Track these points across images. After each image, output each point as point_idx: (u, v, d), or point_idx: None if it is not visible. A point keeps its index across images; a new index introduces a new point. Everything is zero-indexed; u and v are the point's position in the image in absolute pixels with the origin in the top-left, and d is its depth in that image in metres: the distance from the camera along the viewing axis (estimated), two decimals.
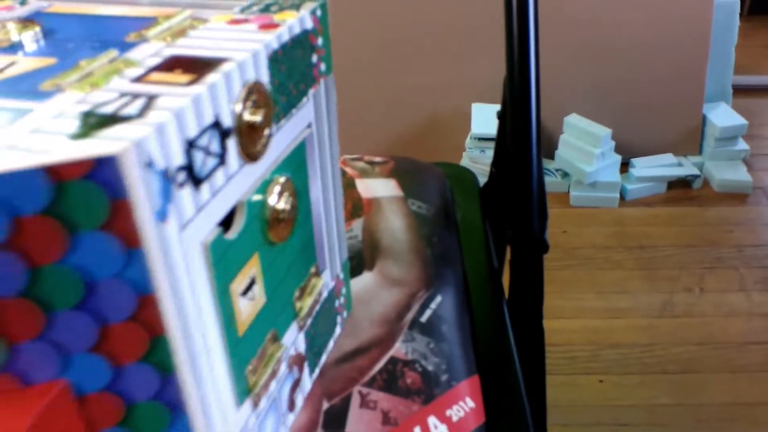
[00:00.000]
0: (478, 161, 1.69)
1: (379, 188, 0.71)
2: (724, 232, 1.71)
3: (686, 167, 1.84)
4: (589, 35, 1.80)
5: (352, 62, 1.80)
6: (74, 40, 0.37)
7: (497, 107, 1.78)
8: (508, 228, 0.68)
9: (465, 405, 0.50)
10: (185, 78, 0.32)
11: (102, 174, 0.26)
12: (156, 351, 0.32)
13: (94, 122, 0.28)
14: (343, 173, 0.73)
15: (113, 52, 0.35)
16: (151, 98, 0.30)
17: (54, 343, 0.31)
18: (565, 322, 1.46)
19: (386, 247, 0.63)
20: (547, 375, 0.66)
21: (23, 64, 0.34)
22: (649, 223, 1.74)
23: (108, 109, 0.29)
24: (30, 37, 0.37)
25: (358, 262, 0.60)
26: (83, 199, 0.27)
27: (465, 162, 1.77)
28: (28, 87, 0.32)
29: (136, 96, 0.30)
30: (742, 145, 1.87)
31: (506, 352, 0.59)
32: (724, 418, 1.26)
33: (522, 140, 0.68)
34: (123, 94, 0.30)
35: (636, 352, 1.39)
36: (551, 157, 1.84)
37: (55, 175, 0.26)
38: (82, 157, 0.26)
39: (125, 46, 0.36)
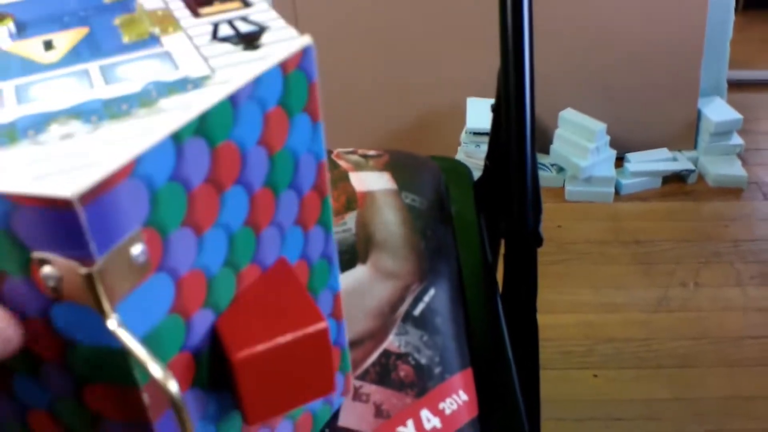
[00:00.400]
0: (473, 156, 1.69)
1: (372, 181, 0.70)
2: (720, 226, 1.71)
3: (681, 162, 1.84)
4: (583, 30, 1.79)
5: (347, 57, 1.79)
6: (73, 11, 0.36)
7: (492, 102, 1.78)
8: (502, 221, 0.68)
9: (458, 398, 0.50)
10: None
11: (304, 62, 0.32)
12: (323, 212, 0.36)
13: (249, 38, 0.32)
14: (337, 166, 0.72)
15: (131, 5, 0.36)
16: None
17: (278, 224, 0.33)
18: (560, 316, 1.46)
19: (380, 240, 0.62)
20: (542, 370, 0.66)
21: (62, 38, 0.34)
22: (645, 218, 1.74)
23: (240, 28, 0.33)
24: (13, 28, 0.36)
25: (351, 255, 0.60)
26: (297, 86, 0.32)
27: (460, 156, 1.77)
28: (116, 44, 0.33)
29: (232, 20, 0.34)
30: (737, 139, 1.87)
31: (500, 345, 0.59)
32: (721, 412, 1.26)
33: (516, 133, 0.68)
34: (218, 23, 0.34)
35: (631, 347, 1.39)
36: (546, 151, 1.84)
37: (284, 68, 0.31)
38: (294, 50, 0.31)
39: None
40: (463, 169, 0.82)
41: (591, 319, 1.45)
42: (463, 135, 1.73)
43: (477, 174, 0.82)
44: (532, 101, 0.69)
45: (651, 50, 1.82)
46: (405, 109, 1.85)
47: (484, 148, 1.72)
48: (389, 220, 0.65)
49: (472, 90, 1.77)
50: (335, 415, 0.47)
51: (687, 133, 1.90)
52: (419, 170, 0.75)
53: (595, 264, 1.59)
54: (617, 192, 1.80)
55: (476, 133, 1.68)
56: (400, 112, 1.85)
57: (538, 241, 0.68)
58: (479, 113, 1.71)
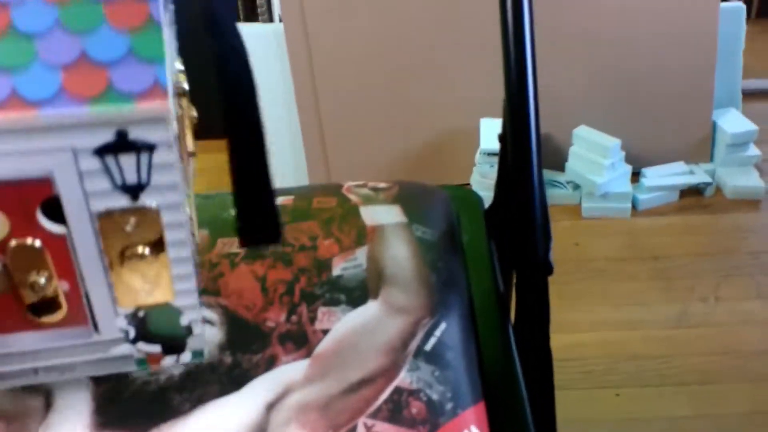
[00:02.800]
0: (488, 176, 1.70)
1: (383, 215, 0.71)
2: (739, 239, 1.70)
3: (698, 175, 1.84)
4: (594, 46, 1.80)
5: (360, 79, 1.81)
6: None
7: None
8: (512, 251, 0.68)
9: None
10: None
11: None
12: None
13: None
14: (347, 200, 0.73)
15: None
16: None
17: None
18: (580, 335, 1.46)
19: (390, 275, 0.63)
20: (563, 390, 0.66)
21: None
22: (662, 233, 1.73)
23: None
24: None
25: (362, 291, 0.61)
26: None
27: (475, 177, 1.77)
28: None
29: None
30: (754, 150, 1.86)
31: (512, 377, 0.60)
32: (745, 428, 1.25)
33: (522, 163, 0.68)
34: None
35: (653, 364, 1.39)
36: (561, 169, 1.84)
37: None
38: None
39: None
40: (473, 198, 0.83)
41: (611, 336, 1.45)
42: (477, 156, 1.73)
43: (492, 194, 0.82)
44: (537, 130, 0.69)
45: (663, 63, 1.82)
46: (419, 130, 1.86)
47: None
48: (400, 255, 0.66)
49: (485, 110, 1.77)
50: None
51: (703, 145, 1.89)
52: (429, 201, 0.76)
53: (613, 281, 1.59)
54: (634, 207, 1.79)
55: (490, 154, 1.68)
56: (415, 132, 1.86)
57: (549, 269, 0.69)
58: (493, 134, 1.71)
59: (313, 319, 0.58)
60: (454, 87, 1.81)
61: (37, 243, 0.42)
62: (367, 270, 0.63)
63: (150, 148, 0.40)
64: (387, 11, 1.75)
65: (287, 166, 1.87)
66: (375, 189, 0.76)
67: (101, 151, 0.39)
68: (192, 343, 0.50)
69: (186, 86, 0.50)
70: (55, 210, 0.42)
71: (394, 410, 0.50)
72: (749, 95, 2.07)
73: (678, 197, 1.83)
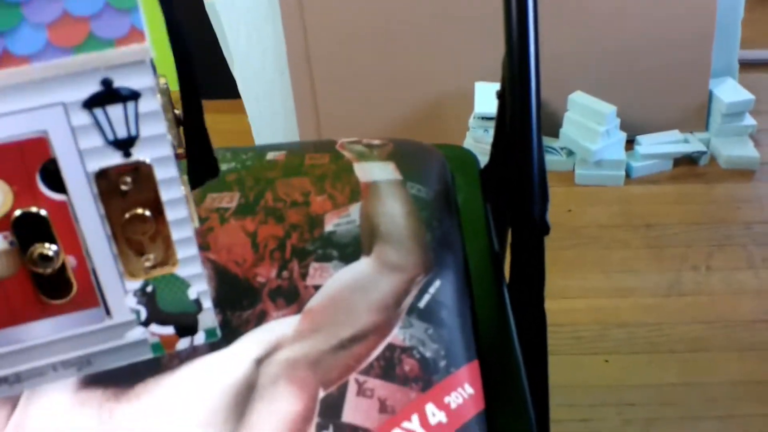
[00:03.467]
0: (482, 141, 1.68)
1: (377, 172, 0.70)
2: (732, 209, 1.69)
3: (692, 144, 1.82)
4: (592, 12, 1.77)
5: (354, 43, 1.78)
6: None
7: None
8: (508, 210, 0.67)
9: (464, 391, 0.49)
10: None
11: None
12: None
13: None
14: (341, 157, 0.72)
15: None
16: None
17: None
18: (571, 301, 1.45)
19: (384, 232, 0.62)
20: (553, 355, 0.66)
21: None
22: (656, 201, 1.72)
23: None
24: None
25: (355, 248, 0.60)
26: None
27: (468, 142, 1.75)
28: None
29: None
30: (749, 120, 1.84)
31: (507, 337, 0.59)
32: (733, 397, 1.25)
33: (522, 120, 0.67)
34: None
35: (643, 332, 1.38)
36: (556, 135, 1.82)
37: None
38: None
39: None
40: (469, 157, 0.82)
41: (602, 303, 1.44)
42: (471, 120, 1.71)
43: (485, 159, 0.81)
44: (538, 87, 0.68)
45: (661, 31, 1.80)
46: (412, 95, 1.84)
47: (493, 133, 1.71)
48: (394, 212, 0.64)
49: (480, 75, 1.75)
50: (339, 411, 0.46)
51: (698, 114, 1.88)
52: (424, 159, 0.74)
53: (605, 248, 1.58)
54: (628, 175, 1.78)
55: (485, 118, 1.66)
56: (408, 97, 1.84)
57: (545, 229, 0.68)
58: (488, 98, 1.70)
59: (304, 275, 0.57)
60: (448, 50, 1.79)
61: (42, 212, 0.43)
62: (361, 227, 0.62)
63: (135, 96, 0.42)
64: None
65: (278, 130, 1.85)
66: (369, 146, 0.74)
67: (89, 104, 0.41)
68: (204, 321, 0.51)
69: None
70: (54, 178, 0.43)
71: (387, 367, 0.49)
72: (746, 65, 2.05)
73: (672, 166, 1.81)
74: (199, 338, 0.52)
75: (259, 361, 0.50)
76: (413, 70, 1.82)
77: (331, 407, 0.47)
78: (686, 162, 1.83)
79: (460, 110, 1.79)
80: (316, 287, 0.56)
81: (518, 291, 0.66)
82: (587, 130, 1.73)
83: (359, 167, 0.70)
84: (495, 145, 0.79)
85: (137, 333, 0.50)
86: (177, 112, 0.49)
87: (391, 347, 0.51)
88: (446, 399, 0.48)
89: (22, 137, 0.41)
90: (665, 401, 1.25)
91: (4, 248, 0.43)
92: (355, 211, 0.64)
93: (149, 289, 0.48)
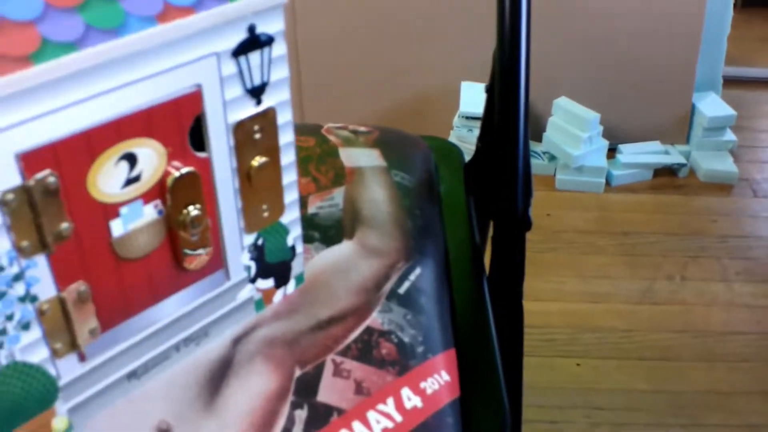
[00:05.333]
0: (465, 140, 1.68)
1: (362, 158, 0.69)
2: (708, 221, 1.70)
3: (673, 155, 1.84)
4: (582, 19, 1.78)
5: (341, 37, 1.78)
6: None
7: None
8: (492, 204, 0.67)
9: (440, 378, 0.49)
10: None
11: None
12: None
13: None
14: (326, 141, 0.71)
15: None
16: None
17: None
18: (545, 304, 1.46)
19: (367, 216, 0.61)
20: (525, 356, 0.66)
21: None
22: (634, 210, 1.73)
23: None
24: None
25: (337, 230, 0.59)
26: None
27: (452, 141, 1.75)
28: None
29: None
30: (730, 135, 1.86)
31: (484, 328, 0.58)
32: (701, 406, 1.26)
33: (510, 115, 0.67)
34: None
35: (615, 337, 1.39)
36: (539, 139, 1.83)
37: None
38: None
39: None
40: (453, 150, 0.81)
41: (576, 308, 1.45)
42: (456, 119, 1.72)
43: (469, 157, 0.81)
44: (527, 83, 0.68)
45: (648, 43, 1.82)
46: (397, 91, 1.84)
47: (477, 132, 1.71)
48: (377, 198, 0.64)
49: (466, 74, 1.75)
50: (314, 390, 0.46)
51: (680, 127, 1.89)
52: (409, 149, 0.74)
53: (582, 254, 1.59)
54: (608, 183, 1.79)
55: (469, 117, 1.67)
56: (393, 93, 1.84)
57: (527, 224, 0.68)
58: (473, 97, 1.70)
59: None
60: (435, 49, 1.79)
61: (193, 169, 0.42)
62: (344, 210, 0.62)
63: (270, 41, 0.43)
64: None
65: None
66: (355, 132, 0.74)
67: (237, 52, 0.41)
68: (295, 268, 0.52)
69: None
70: (195, 136, 0.43)
71: (364, 350, 0.49)
72: (730, 81, 2.07)
73: (652, 176, 1.83)
74: (291, 287, 0.52)
75: (237, 340, 0.50)
76: (400, 67, 1.81)
77: (307, 386, 0.46)
78: (666, 173, 1.84)
79: (444, 108, 1.79)
80: None
81: (497, 284, 0.66)
82: (570, 136, 1.74)
83: (344, 152, 0.70)
84: (481, 138, 0.79)
85: (246, 291, 0.49)
86: None
87: (369, 330, 0.51)
88: (422, 384, 0.48)
89: (178, 94, 0.40)
90: (633, 407, 1.26)
91: (153, 219, 0.42)
92: (338, 194, 0.64)
93: (260, 242, 0.48)
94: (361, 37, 1.79)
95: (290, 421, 0.44)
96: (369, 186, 0.65)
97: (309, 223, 0.60)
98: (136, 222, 0.41)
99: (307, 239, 0.58)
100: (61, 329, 0.39)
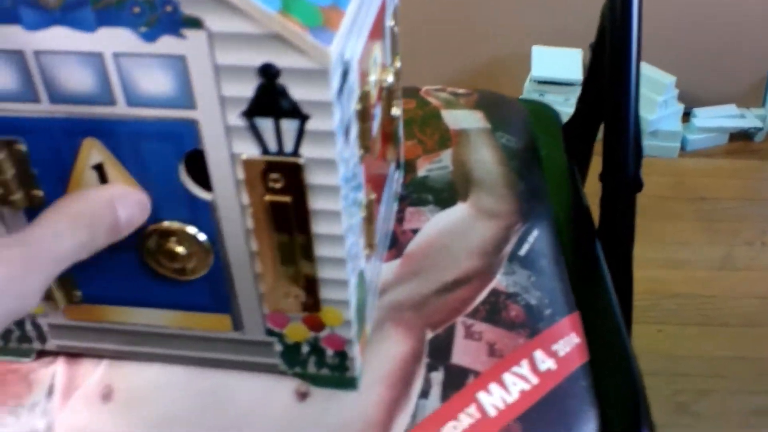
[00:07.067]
0: None
1: (465, 120, 0.68)
2: None
3: (749, 119, 1.79)
4: None
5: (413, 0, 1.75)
6: None
7: (559, 50, 1.73)
8: (603, 166, 0.65)
9: (570, 340, 0.48)
10: None
11: None
12: None
13: None
14: (428, 103, 0.70)
15: None
16: None
17: None
18: None
19: (478, 178, 0.60)
20: None
21: None
22: (709, 175, 1.69)
23: None
24: None
25: (450, 193, 0.58)
26: None
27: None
28: None
29: None
30: None
31: (603, 292, 0.57)
32: None
33: (621, 73, 0.65)
34: None
35: (695, 304, 1.37)
36: None
37: None
38: None
39: None
40: (550, 112, 0.80)
41: (654, 274, 1.43)
42: (527, 83, 1.69)
43: None
44: (639, 38, 0.66)
45: (726, 6, 1.76)
46: (467, 55, 1.81)
47: (549, 97, 1.68)
48: (485, 159, 0.63)
49: (537, 38, 1.72)
50: (448, 352, 0.45)
51: (757, 90, 1.84)
52: (509, 110, 0.73)
53: (658, 219, 1.56)
54: (682, 147, 1.75)
55: (541, 82, 1.64)
56: (462, 57, 1.81)
57: (639, 185, 0.66)
58: (545, 62, 1.67)
59: (401, 219, 0.55)
60: (505, 12, 1.76)
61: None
62: (453, 173, 0.61)
63: None
64: None
65: None
66: (455, 94, 0.73)
67: None
68: None
69: None
70: None
71: (492, 311, 0.48)
72: None
73: (727, 140, 1.78)
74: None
75: None
76: (469, 30, 1.79)
77: (440, 349, 0.46)
78: (742, 137, 1.79)
79: (513, 73, 1.76)
80: (414, 231, 0.54)
81: (607, 248, 0.64)
82: (645, 99, 1.70)
83: (447, 114, 0.69)
84: (582, 99, 0.77)
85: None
86: None
87: (495, 292, 0.50)
88: (554, 346, 0.47)
89: None
90: (716, 373, 1.24)
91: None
92: (446, 156, 0.63)
93: None
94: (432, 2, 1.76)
95: (427, 383, 0.44)
96: (476, 148, 0.64)
97: (421, 185, 0.59)
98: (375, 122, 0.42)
99: (420, 202, 0.57)
100: (365, 232, 0.41)
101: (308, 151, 0.32)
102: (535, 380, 0.45)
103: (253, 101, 0.31)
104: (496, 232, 0.55)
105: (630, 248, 0.68)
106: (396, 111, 0.46)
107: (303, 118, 0.31)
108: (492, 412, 0.43)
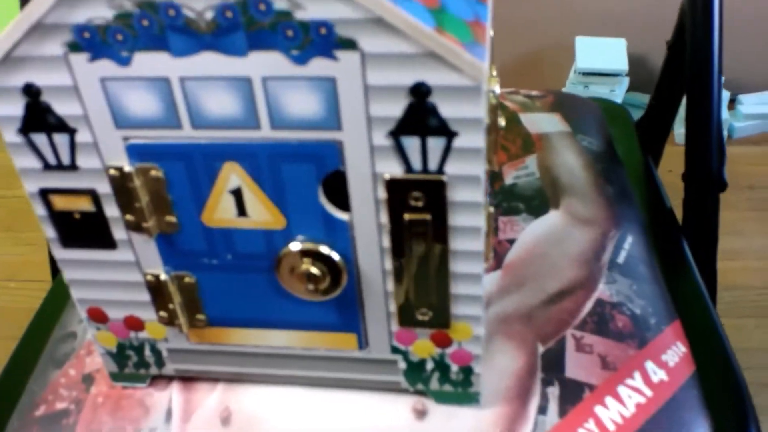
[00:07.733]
0: None
1: (545, 123, 0.68)
2: None
3: None
4: None
5: None
6: None
7: (603, 40, 1.70)
8: (686, 165, 0.65)
9: (678, 349, 0.48)
10: None
11: None
12: None
13: None
14: (504, 107, 0.70)
15: None
16: None
17: None
18: None
19: (566, 184, 0.60)
20: None
21: None
22: (758, 163, 1.67)
23: None
24: None
25: (541, 200, 0.58)
26: None
27: None
28: None
29: None
30: None
31: (699, 295, 0.57)
32: None
33: (702, 72, 0.64)
34: None
35: (752, 295, 1.35)
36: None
37: None
38: None
39: None
40: (622, 112, 0.79)
41: None
42: (571, 75, 1.67)
43: None
44: (721, 36, 0.65)
45: None
46: (509, 45, 1.80)
47: (593, 89, 1.66)
48: (571, 164, 0.62)
49: (580, 29, 1.70)
50: (561, 366, 0.45)
51: None
52: (586, 111, 0.72)
53: None
54: (729, 135, 1.73)
55: (586, 73, 1.62)
56: (505, 47, 1.80)
57: (723, 185, 0.65)
58: (589, 53, 1.65)
59: (495, 229, 0.55)
60: (549, 2, 1.74)
61: None
62: (541, 179, 0.60)
63: None
64: None
65: None
66: (529, 96, 0.72)
67: None
68: None
69: None
70: None
71: (600, 323, 0.48)
72: None
73: None
74: None
75: None
76: (512, 19, 1.77)
77: (553, 362, 0.45)
78: None
79: (555, 63, 1.74)
80: (510, 241, 0.54)
81: (693, 248, 0.64)
82: None
83: (526, 118, 0.68)
84: (656, 97, 0.77)
85: None
86: None
87: (600, 302, 0.49)
88: (663, 356, 0.47)
89: None
90: None
91: None
92: (531, 162, 0.62)
93: None
94: None
95: (544, 398, 0.43)
96: (560, 152, 0.64)
97: (510, 193, 0.59)
98: None
99: (512, 210, 0.57)
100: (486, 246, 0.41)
101: (453, 168, 0.32)
102: (649, 392, 0.45)
103: (400, 120, 0.31)
104: (592, 239, 0.54)
105: (715, 248, 0.67)
106: (502, 121, 0.46)
107: (450, 135, 0.31)
108: (611, 427, 0.43)
